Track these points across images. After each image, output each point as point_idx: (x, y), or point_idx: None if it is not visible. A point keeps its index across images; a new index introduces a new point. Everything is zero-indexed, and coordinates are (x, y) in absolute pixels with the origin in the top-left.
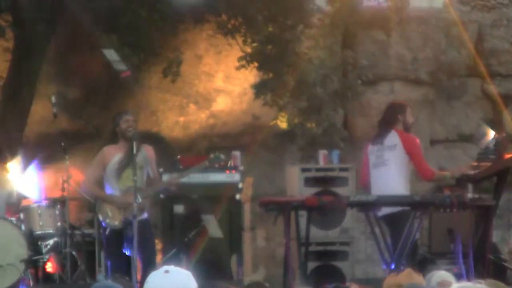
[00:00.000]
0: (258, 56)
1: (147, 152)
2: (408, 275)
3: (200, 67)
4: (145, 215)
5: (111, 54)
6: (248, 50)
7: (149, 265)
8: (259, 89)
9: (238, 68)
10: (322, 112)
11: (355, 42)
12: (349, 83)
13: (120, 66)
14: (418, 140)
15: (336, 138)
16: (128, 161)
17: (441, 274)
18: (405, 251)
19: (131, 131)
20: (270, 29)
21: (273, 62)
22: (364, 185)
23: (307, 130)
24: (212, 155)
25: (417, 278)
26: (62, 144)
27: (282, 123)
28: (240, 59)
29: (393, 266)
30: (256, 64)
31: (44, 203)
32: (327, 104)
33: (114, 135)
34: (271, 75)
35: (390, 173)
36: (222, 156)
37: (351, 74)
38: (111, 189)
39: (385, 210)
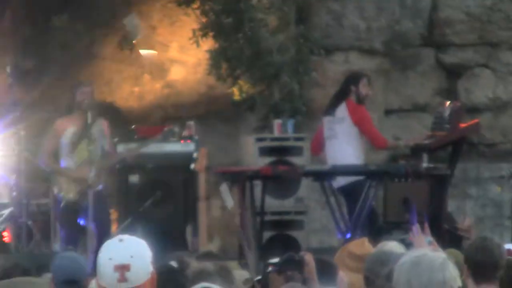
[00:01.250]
0: (213, 26)
1: (102, 126)
2: (361, 244)
3: (154, 37)
4: (100, 186)
5: (130, 21)
6: (204, 20)
7: (104, 235)
8: (215, 59)
9: (190, 42)
10: (280, 79)
11: (309, 13)
12: (301, 57)
13: (137, 32)
14: (365, 111)
15: (297, 103)
16: (83, 133)
17: (392, 244)
18: (360, 221)
19: (86, 103)
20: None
21: (229, 32)
22: (316, 153)
23: (266, 98)
24: (166, 129)
25: (370, 248)
26: (17, 114)
27: (235, 96)
28: (193, 32)
29: (348, 236)
30: (211, 34)
31: None
32: (284, 71)
33: (70, 106)
34: (226, 44)
35: (341, 146)
36: (176, 129)
37: (303, 47)
38: (66, 161)
39: (340, 182)
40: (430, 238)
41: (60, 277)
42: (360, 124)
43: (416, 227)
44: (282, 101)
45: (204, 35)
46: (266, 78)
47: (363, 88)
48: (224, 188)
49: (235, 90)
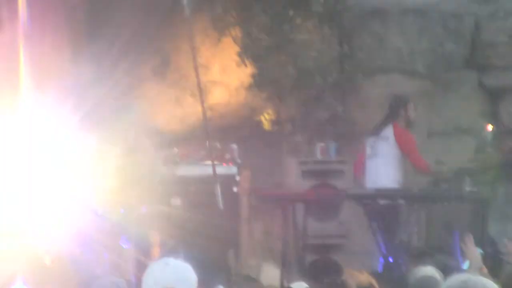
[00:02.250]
0: (255, 48)
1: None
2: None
3: (197, 59)
4: (143, 209)
5: None
6: (242, 44)
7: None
8: (260, 80)
9: (238, 65)
10: (323, 102)
11: (352, 35)
12: (347, 76)
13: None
14: (410, 134)
15: (340, 125)
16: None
17: (425, 269)
18: (402, 245)
19: None
20: (265, 20)
21: (270, 53)
22: (358, 177)
23: (309, 120)
24: (208, 144)
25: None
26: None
27: (266, 122)
28: (239, 54)
29: (391, 260)
30: (250, 57)
31: None
32: (327, 93)
33: None
34: (267, 66)
35: (381, 165)
36: (218, 145)
37: (348, 66)
38: None
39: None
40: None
41: None
42: (404, 147)
43: (469, 238)
44: (326, 122)
45: (249, 56)
46: (309, 100)
47: (410, 112)
48: (216, 189)
49: (265, 116)
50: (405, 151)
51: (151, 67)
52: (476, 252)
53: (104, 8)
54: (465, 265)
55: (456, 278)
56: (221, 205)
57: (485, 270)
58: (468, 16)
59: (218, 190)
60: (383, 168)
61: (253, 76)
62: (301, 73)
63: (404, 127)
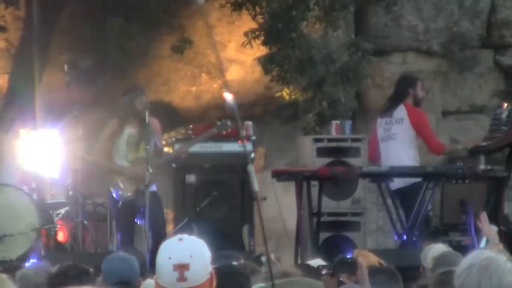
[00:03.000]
0: (264, 31)
1: (153, 124)
2: (366, 256)
3: (213, 36)
4: (153, 187)
5: None
6: (256, 24)
7: (159, 235)
8: (265, 63)
9: (243, 44)
10: (323, 90)
11: (367, 14)
12: (353, 64)
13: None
14: (425, 115)
15: (342, 111)
16: (142, 135)
17: (438, 247)
18: (417, 223)
19: (145, 112)
20: (276, 4)
21: (278, 37)
22: (372, 159)
23: (312, 106)
24: (218, 122)
25: (374, 259)
26: (74, 113)
27: (287, 96)
28: (245, 34)
29: (404, 238)
30: (261, 39)
31: (56, 172)
32: (328, 82)
33: (127, 111)
34: (276, 49)
35: (398, 147)
36: (229, 123)
37: (354, 55)
38: (121, 161)
39: (397, 184)
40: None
41: (111, 278)
42: (419, 127)
43: (483, 215)
44: (328, 108)
45: (256, 37)
46: (311, 85)
47: (420, 91)
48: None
49: (285, 93)
50: (420, 131)
51: (170, 44)
52: (491, 229)
53: None
54: (482, 242)
55: (476, 255)
56: (256, 187)
57: (501, 246)
58: None
59: (252, 171)
60: (400, 150)
61: (259, 60)
62: (305, 59)
63: (413, 105)
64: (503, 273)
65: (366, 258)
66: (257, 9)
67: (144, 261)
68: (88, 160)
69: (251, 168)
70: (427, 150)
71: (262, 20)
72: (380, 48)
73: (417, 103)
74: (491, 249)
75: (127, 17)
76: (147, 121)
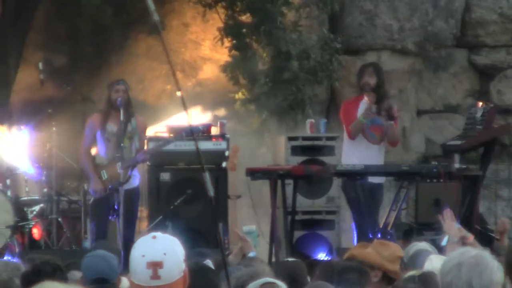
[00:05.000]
0: (236, 28)
1: (137, 122)
2: (363, 247)
3: (187, 35)
4: (136, 182)
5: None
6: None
7: (129, 232)
8: (230, 69)
9: (215, 39)
10: (294, 86)
11: (342, 13)
12: (324, 63)
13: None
14: (343, 102)
15: (299, 113)
16: (122, 132)
17: (420, 245)
18: (391, 221)
19: (119, 101)
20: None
21: (250, 31)
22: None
23: (271, 103)
24: (190, 127)
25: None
26: (49, 111)
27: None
28: (219, 31)
29: (379, 236)
30: (230, 39)
31: (30, 169)
32: (300, 79)
33: (105, 103)
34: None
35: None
36: (200, 127)
37: (325, 54)
38: (101, 158)
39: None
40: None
41: (90, 275)
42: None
43: (447, 212)
44: (288, 107)
45: (227, 35)
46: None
47: (366, 78)
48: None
49: (240, 93)
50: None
51: (145, 43)
52: (453, 226)
53: None
54: (444, 240)
55: (463, 253)
56: (212, 193)
57: (472, 238)
58: None
59: (208, 178)
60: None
61: (224, 68)
62: (279, 55)
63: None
64: (493, 270)
65: (386, 249)
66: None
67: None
68: (62, 157)
69: (206, 175)
70: (402, 149)
71: (231, 21)
72: (354, 47)
73: (362, 88)
74: (451, 248)
75: (102, 15)
76: (122, 117)
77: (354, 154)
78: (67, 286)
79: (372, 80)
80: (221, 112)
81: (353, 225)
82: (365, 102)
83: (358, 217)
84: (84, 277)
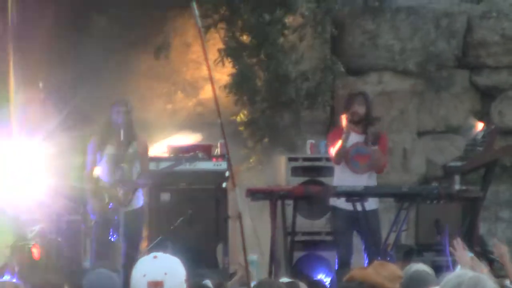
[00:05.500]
0: (237, 49)
1: (139, 146)
2: (363, 270)
3: (189, 54)
4: (140, 203)
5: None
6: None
7: (132, 252)
8: (231, 89)
9: (215, 62)
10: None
11: (343, 32)
12: (322, 88)
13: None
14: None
15: (295, 134)
16: (121, 156)
17: (418, 266)
18: (391, 242)
19: (120, 123)
20: (250, 19)
21: (250, 53)
22: None
23: (271, 123)
24: (190, 154)
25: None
26: (50, 129)
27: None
28: (219, 52)
29: (379, 258)
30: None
31: (31, 188)
32: (297, 103)
33: (107, 124)
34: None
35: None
36: (200, 155)
37: (327, 77)
38: (104, 179)
39: (370, 205)
40: (471, 253)
41: None
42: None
43: (458, 241)
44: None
45: (228, 56)
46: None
47: (355, 107)
48: (238, 192)
49: (242, 115)
50: None
51: (146, 62)
52: (465, 255)
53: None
54: (457, 269)
55: (462, 274)
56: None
57: (486, 270)
58: (460, 15)
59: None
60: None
61: (231, 75)
62: (277, 78)
63: (351, 122)
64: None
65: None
66: (238, 23)
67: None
68: (61, 178)
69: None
70: (402, 170)
71: (233, 41)
72: (356, 67)
73: (353, 118)
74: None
75: (105, 32)
76: (123, 137)
77: (344, 178)
78: None
79: (361, 110)
80: (227, 133)
81: (363, 249)
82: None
83: (339, 248)
84: None
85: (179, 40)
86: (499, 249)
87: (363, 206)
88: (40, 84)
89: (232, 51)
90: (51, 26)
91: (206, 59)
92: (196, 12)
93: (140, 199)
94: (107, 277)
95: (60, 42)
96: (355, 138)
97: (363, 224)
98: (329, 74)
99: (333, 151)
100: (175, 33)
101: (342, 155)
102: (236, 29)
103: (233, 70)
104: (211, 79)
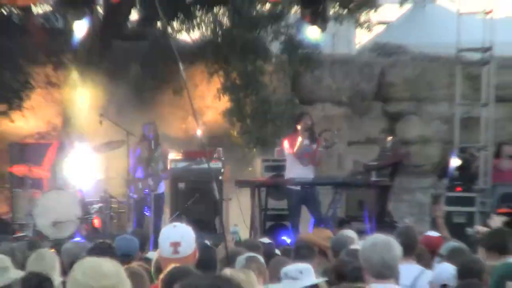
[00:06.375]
0: (231, 88)
1: (162, 151)
2: (320, 232)
3: (196, 92)
4: (162, 190)
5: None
6: (221, 85)
7: (158, 223)
8: (229, 114)
9: (216, 97)
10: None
11: (299, 77)
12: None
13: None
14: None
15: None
16: (151, 157)
17: (347, 232)
18: (329, 216)
19: (151, 136)
20: (239, 66)
21: (240, 89)
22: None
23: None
24: (197, 159)
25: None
26: (106, 141)
27: (235, 136)
28: (218, 90)
29: (322, 226)
30: (227, 95)
31: (92, 180)
32: (276, 120)
33: (141, 136)
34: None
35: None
36: (203, 159)
37: (290, 106)
38: (139, 172)
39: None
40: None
41: (119, 251)
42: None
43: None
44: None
45: (224, 93)
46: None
47: (305, 122)
48: (214, 185)
49: (235, 132)
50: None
51: (169, 95)
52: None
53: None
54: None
55: (376, 237)
56: (217, 195)
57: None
58: (377, 65)
59: (214, 185)
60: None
61: (224, 114)
62: (261, 103)
63: (303, 130)
64: (396, 247)
65: (322, 234)
66: (230, 69)
67: (148, 239)
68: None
69: (213, 185)
70: (337, 167)
71: (228, 82)
72: (307, 99)
73: (303, 130)
74: None
75: (138, 78)
76: (153, 146)
77: (292, 171)
78: (103, 260)
79: (309, 122)
80: (221, 144)
81: (311, 220)
82: (300, 136)
83: (292, 217)
84: (116, 252)
85: (190, 82)
86: (435, 211)
87: (311, 190)
88: (100, 111)
89: (227, 89)
90: (108, 68)
91: (189, 97)
92: (181, 67)
93: (162, 187)
94: (130, 240)
95: (113, 80)
96: (304, 141)
97: (311, 203)
98: (290, 104)
99: (293, 149)
100: (187, 77)
101: (299, 151)
102: (229, 74)
103: (228, 102)
104: (193, 112)
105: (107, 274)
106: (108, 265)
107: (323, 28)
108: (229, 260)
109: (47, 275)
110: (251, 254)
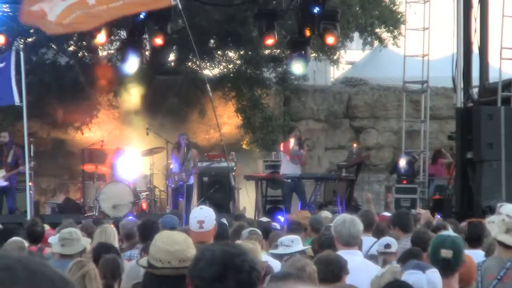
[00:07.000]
0: (243, 109)
1: (192, 154)
2: (301, 213)
3: (218, 111)
4: (191, 181)
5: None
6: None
7: (188, 205)
8: (241, 128)
9: (232, 116)
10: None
11: (290, 100)
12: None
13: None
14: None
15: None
16: (184, 158)
17: (325, 212)
18: (312, 200)
19: (184, 143)
20: (247, 93)
21: (249, 110)
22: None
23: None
24: (218, 159)
25: (307, 214)
26: (152, 148)
27: (245, 145)
28: (234, 111)
29: (306, 208)
30: (239, 114)
31: (140, 175)
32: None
33: (178, 143)
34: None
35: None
36: (223, 159)
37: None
38: (176, 168)
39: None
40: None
41: (165, 226)
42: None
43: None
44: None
45: (238, 112)
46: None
47: (295, 134)
48: (232, 176)
49: (245, 142)
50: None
51: (196, 114)
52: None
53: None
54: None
55: (344, 215)
56: (233, 184)
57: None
58: (345, 93)
59: (232, 177)
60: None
61: (242, 121)
62: (264, 120)
63: (294, 138)
64: (359, 224)
65: (301, 214)
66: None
67: (181, 218)
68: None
69: (231, 176)
70: (317, 166)
71: (240, 105)
72: (295, 117)
73: (295, 139)
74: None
75: (174, 102)
76: (185, 150)
77: (285, 168)
78: (175, 232)
79: (298, 133)
80: (233, 149)
81: (299, 203)
82: (292, 143)
83: (285, 202)
84: (165, 227)
85: (210, 105)
86: (387, 198)
87: (299, 183)
88: (147, 127)
89: (239, 110)
90: (154, 97)
91: (215, 115)
92: (210, 93)
93: (192, 180)
94: (171, 218)
95: (155, 106)
96: (294, 147)
97: (299, 191)
98: (284, 120)
99: (287, 153)
100: (208, 103)
101: (291, 155)
102: (241, 99)
103: (240, 120)
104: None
105: (179, 241)
106: (179, 235)
107: (306, 66)
108: (236, 232)
109: (112, 244)
110: (251, 228)
